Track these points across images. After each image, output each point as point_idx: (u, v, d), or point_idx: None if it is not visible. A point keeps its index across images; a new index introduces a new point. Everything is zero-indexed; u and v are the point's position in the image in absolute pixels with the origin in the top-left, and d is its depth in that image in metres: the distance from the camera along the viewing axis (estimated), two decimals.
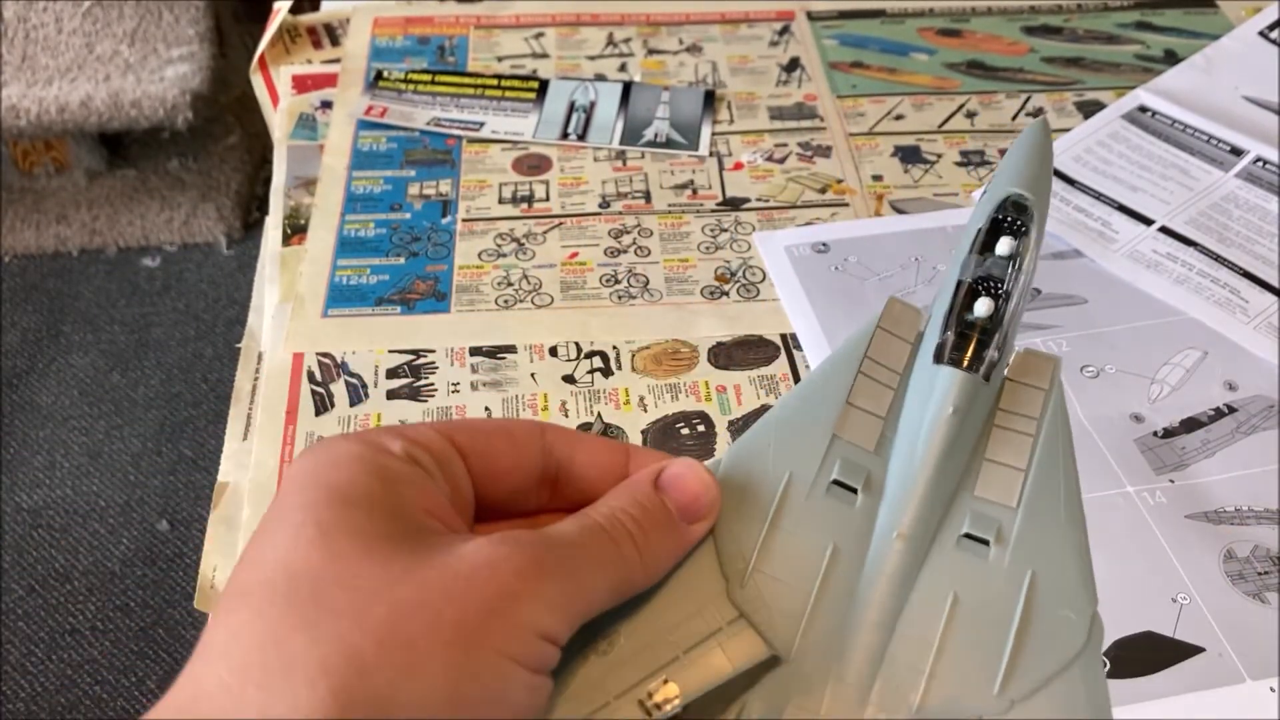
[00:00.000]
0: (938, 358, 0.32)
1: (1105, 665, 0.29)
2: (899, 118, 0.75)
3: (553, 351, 0.59)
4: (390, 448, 0.27)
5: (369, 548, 0.24)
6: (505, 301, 0.62)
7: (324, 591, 0.23)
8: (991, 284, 0.33)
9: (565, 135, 0.73)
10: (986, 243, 0.34)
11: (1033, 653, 0.28)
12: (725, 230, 0.67)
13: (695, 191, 0.69)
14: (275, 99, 0.78)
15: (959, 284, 0.34)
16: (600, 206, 0.68)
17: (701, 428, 0.56)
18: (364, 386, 0.58)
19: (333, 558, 0.24)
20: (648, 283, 0.63)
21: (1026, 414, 0.33)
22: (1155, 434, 0.54)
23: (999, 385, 0.33)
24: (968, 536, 0.30)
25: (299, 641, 0.23)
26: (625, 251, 0.65)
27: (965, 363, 0.32)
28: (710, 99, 0.76)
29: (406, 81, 0.77)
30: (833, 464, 0.31)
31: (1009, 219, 0.35)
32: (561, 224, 0.67)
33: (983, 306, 0.33)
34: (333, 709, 0.22)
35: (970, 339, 0.32)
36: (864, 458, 0.32)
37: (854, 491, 0.31)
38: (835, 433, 0.32)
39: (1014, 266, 0.34)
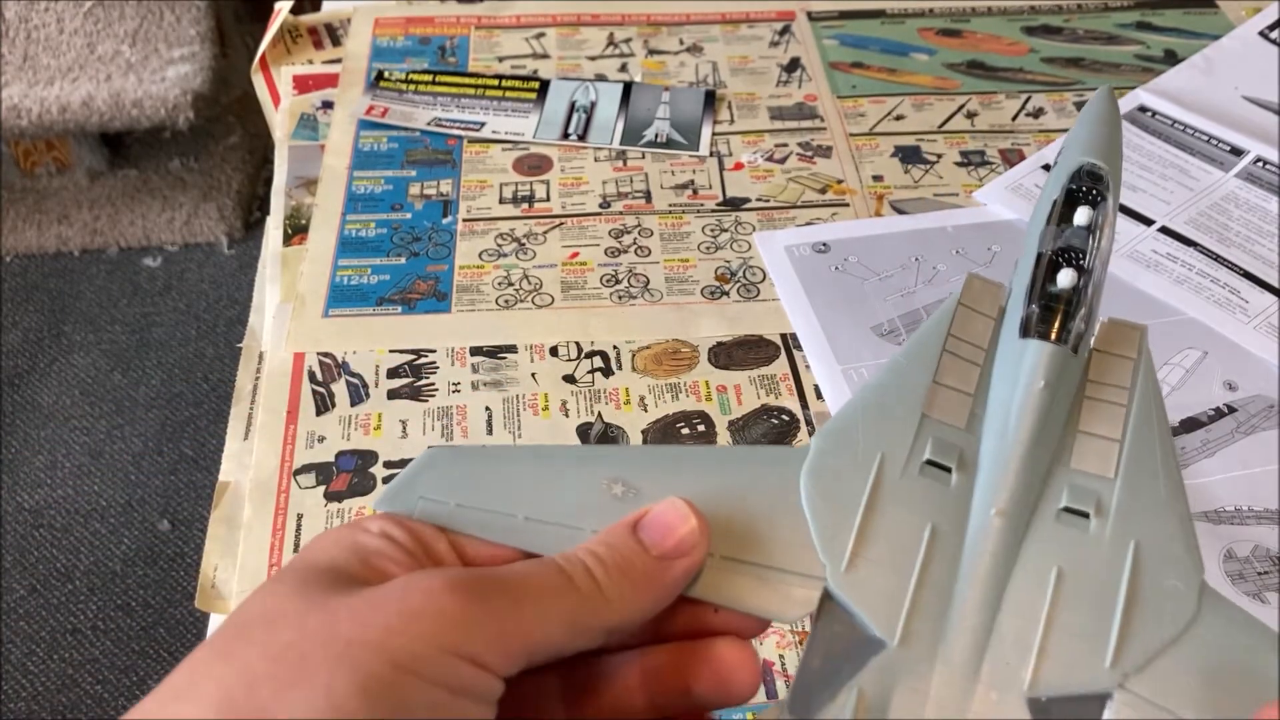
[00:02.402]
0: (1024, 331, 0.32)
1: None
2: (899, 118, 0.75)
3: (553, 351, 0.59)
4: (368, 525, 0.29)
5: (307, 592, 0.26)
6: (506, 301, 0.62)
7: (250, 627, 0.25)
8: (1072, 255, 0.33)
9: (566, 135, 0.73)
10: (1063, 214, 0.34)
11: (1143, 624, 0.28)
12: (725, 230, 0.67)
13: (695, 191, 0.69)
14: (276, 99, 0.78)
15: (1039, 256, 0.33)
16: (601, 206, 0.68)
17: (702, 427, 0.56)
18: (365, 386, 0.58)
19: (274, 603, 0.26)
20: (648, 283, 0.63)
21: (1116, 384, 0.32)
22: None
23: (1087, 357, 0.33)
24: (1067, 510, 0.30)
25: (215, 668, 0.25)
26: (625, 251, 0.65)
27: (1053, 335, 0.31)
28: (711, 99, 0.76)
29: (407, 82, 0.77)
30: (925, 443, 0.31)
31: (1084, 189, 0.34)
32: (562, 224, 0.67)
33: (1066, 278, 0.32)
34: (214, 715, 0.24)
35: (1056, 311, 0.32)
36: (956, 435, 0.31)
37: (948, 471, 0.31)
38: (925, 412, 0.32)
39: (1094, 237, 0.33)
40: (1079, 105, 0.75)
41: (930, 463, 0.31)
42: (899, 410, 0.32)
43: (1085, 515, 0.30)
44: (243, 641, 0.25)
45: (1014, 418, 0.31)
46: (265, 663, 0.24)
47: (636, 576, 0.28)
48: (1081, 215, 0.33)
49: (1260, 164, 0.69)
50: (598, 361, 0.59)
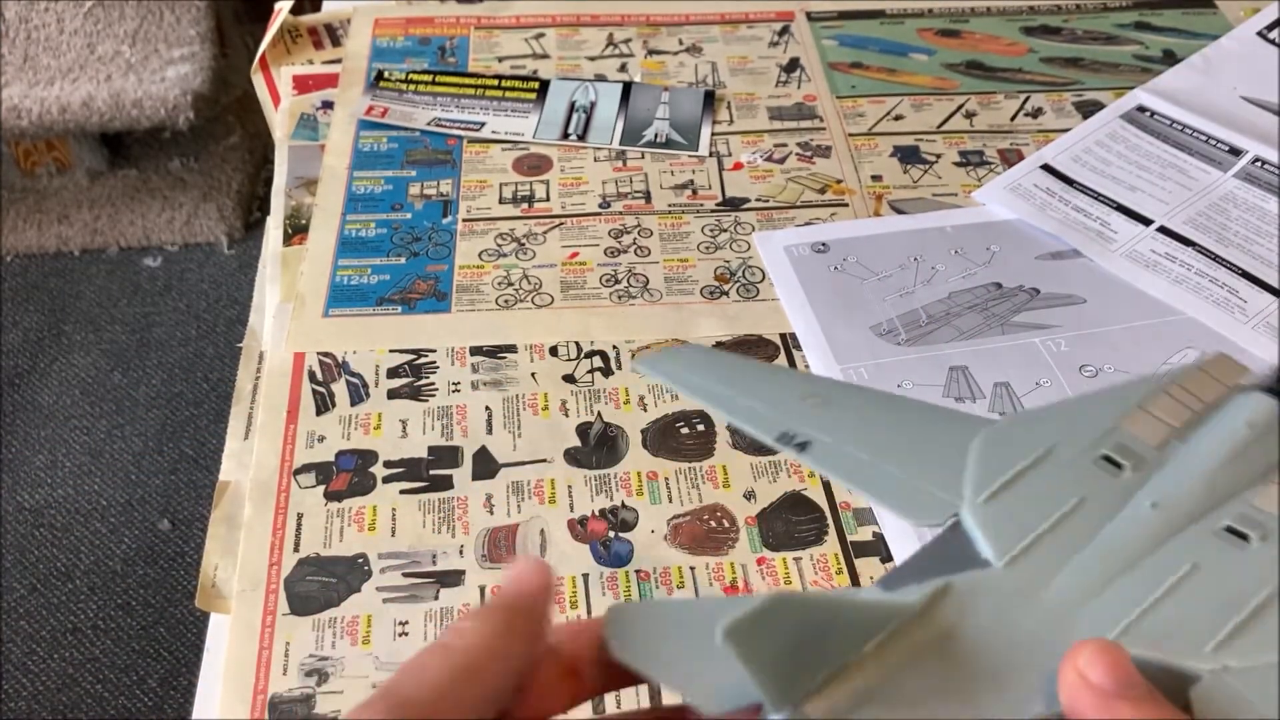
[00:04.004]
0: (1248, 389, 0.32)
1: None
2: (898, 118, 0.75)
3: (553, 351, 0.60)
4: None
5: None
6: (506, 301, 0.62)
7: None
8: None
9: (565, 135, 0.73)
10: None
11: (1265, 631, 0.27)
12: (725, 230, 0.67)
13: (695, 191, 0.69)
14: (276, 99, 0.78)
15: None
16: (600, 206, 0.68)
17: (701, 427, 0.56)
18: (365, 386, 0.58)
19: None
20: (648, 283, 0.63)
21: None
22: None
23: None
24: (1229, 530, 0.29)
25: None
26: (625, 251, 0.65)
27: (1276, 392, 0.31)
28: (710, 99, 0.76)
29: (407, 82, 0.77)
30: (1106, 442, 0.31)
31: None
32: (562, 224, 0.67)
33: None
34: None
35: None
36: (1142, 447, 0.31)
37: (1119, 466, 0.30)
38: (1118, 424, 0.31)
39: None
40: (1078, 105, 0.76)
41: (1105, 458, 0.31)
42: (1092, 416, 0.32)
43: (1245, 537, 0.29)
44: None
45: (1204, 444, 0.30)
46: None
47: (494, 609, 0.29)
48: None
49: (1258, 164, 0.69)
50: (597, 361, 0.59)
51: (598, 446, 0.55)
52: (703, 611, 0.28)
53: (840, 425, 0.33)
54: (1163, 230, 0.65)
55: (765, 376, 0.37)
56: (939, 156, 0.72)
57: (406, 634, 0.48)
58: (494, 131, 0.73)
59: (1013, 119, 0.75)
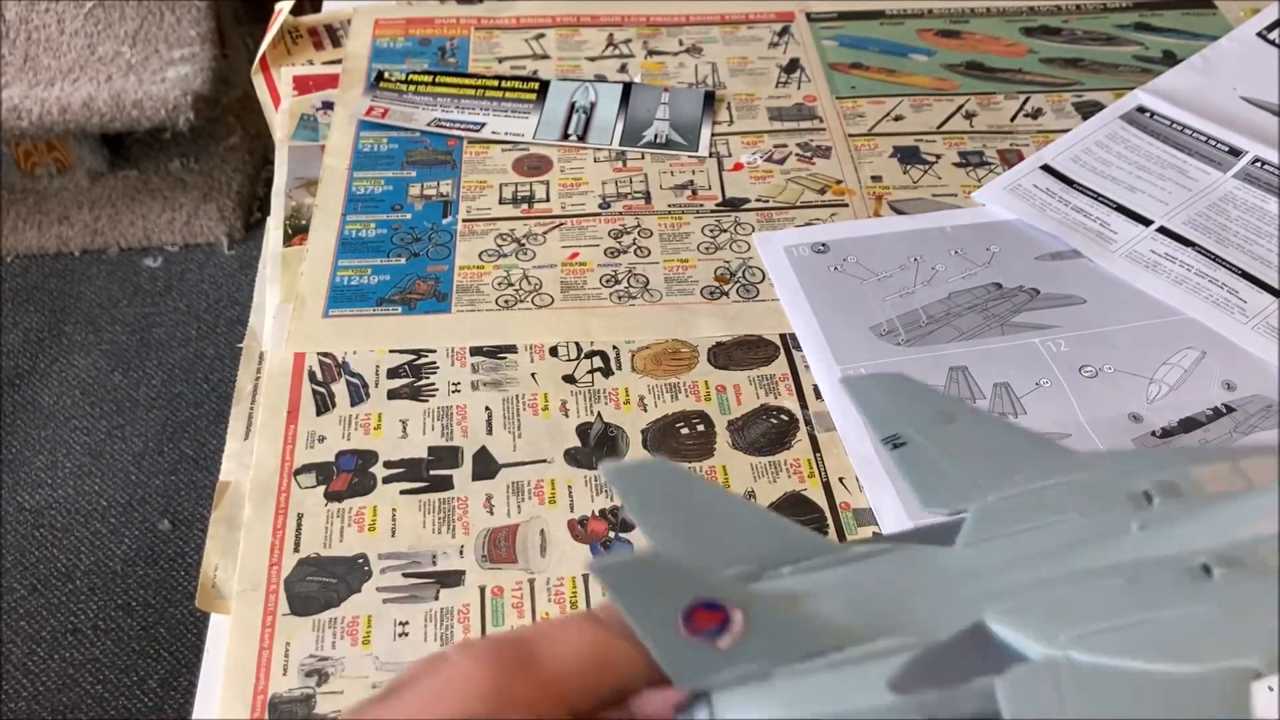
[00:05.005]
0: None
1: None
2: (898, 118, 0.75)
3: (553, 351, 0.60)
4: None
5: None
6: (506, 301, 0.62)
7: None
8: None
9: (565, 136, 0.73)
10: None
11: (1133, 638, 0.26)
12: (725, 230, 0.67)
13: (695, 192, 0.69)
14: (276, 100, 0.78)
15: None
16: (600, 207, 0.68)
17: (701, 427, 0.56)
18: (365, 386, 0.58)
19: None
20: (648, 283, 0.63)
21: None
22: (1153, 434, 0.54)
23: None
24: (1203, 567, 0.28)
25: None
26: (625, 252, 0.65)
27: None
28: (710, 100, 0.76)
29: (407, 82, 0.77)
30: (1155, 479, 0.29)
31: None
32: (562, 224, 0.67)
33: None
34: None
35: None
36: (1189, 489, 0.29)
37: (1149, 500, 0.29)
38: (1187, 466, 0.30)
39: None
40: (1078, 106, 0.76)
41: (1145, 493, 0.29)
42: (1161, 462, 0.30)
43: (1209, 572, 0.28)
44: None
45: (1245, 503, 0.29)
46: None
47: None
48: None
49: (1258, 164, 0.69)
50: (597, 361, 0.59)
51: (598, 447, 0.55)
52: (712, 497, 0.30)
53: (943, 437, 0.34)
54: (1162, 231, 0.65)
55: (921, 397, 0.38)
56: (939, 157, 0.72)
57: (406, 634, 0.48)
58: (494, 132, 0.73)
59: (1012, 119, 0.75)
